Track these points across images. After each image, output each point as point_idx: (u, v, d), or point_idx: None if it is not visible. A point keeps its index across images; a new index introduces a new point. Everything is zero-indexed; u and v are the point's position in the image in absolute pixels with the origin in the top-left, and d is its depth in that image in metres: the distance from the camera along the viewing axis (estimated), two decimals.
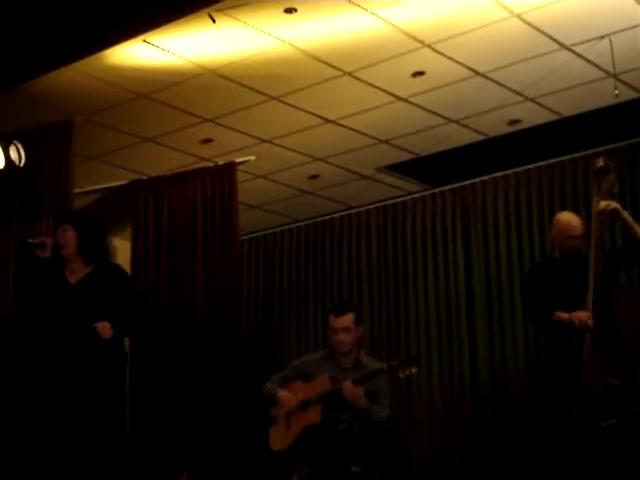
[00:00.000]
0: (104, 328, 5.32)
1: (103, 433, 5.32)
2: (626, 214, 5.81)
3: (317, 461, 5.45)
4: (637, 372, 5.42)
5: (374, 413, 5.54)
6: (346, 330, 5.71)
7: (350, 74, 6.43)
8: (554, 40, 6.06)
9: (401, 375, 5.49)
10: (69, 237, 5.49)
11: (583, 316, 5.40)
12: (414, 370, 5.43)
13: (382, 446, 5.46)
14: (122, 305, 5.49)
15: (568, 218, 5.92)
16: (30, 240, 5.49)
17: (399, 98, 6.82)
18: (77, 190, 7.35)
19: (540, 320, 5.88)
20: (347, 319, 5.73)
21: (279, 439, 5.70)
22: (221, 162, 7.68)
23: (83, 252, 5.52)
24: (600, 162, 5.80)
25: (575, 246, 5.79)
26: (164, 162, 7.72)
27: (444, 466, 7.61)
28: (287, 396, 5.71)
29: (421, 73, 6.45)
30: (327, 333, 5.95)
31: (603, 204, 5.67)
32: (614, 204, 5.72)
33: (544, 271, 5.96)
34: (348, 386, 5.47)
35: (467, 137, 7.51)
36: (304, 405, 5.62)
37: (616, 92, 6.40)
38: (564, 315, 5.51)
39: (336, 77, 6.45)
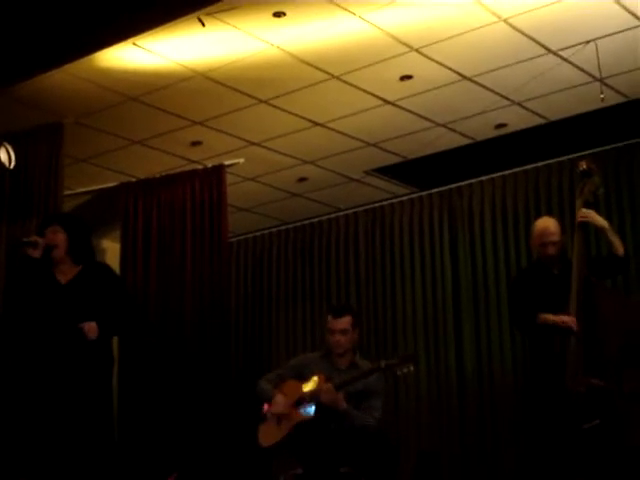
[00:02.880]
0: (91, 328, 5.32)
1: (90, 433, 5.32)
2: (604, 224, 5.73)
3: (307, 458, 5.47)
4: (621, 373, 5.44)
5: (356, 418, 5.53)
6: (343, 332, 5.74)
7: (338, 78, 6.45)
8: (540, 45, 6.08)
9: (399, 373, 5.52)
10: (60, 238, 5.50)
11: (567, 319, 5.43)
12: (412, 368, 5.47)
13: (370, 447, 5.48)
14: (112, 305, 5.52)
15: (543, 225, 5.86)
16: (25, 239, 5.50)
17: (387, 102, 6.84)
18: (67, 192, 7.35)
19: (525, 324, 5.87)
20: (345, 321, 5.76)
21: (269, 435, 5.70)
22: (210, 164, 7.68)
23: (72, 253, 5.53)
24: (583, 165, 5.78)
25: (546, 254, 5.77)
26: (153, 164, 7.72)
27: (436, 462, 7.64)
28: (282, 398, 5.69)
29: (409, 77, 6.47)
30: (324, 334, 5.97)
31: (579, 214, 5.67)
32: (590, 216, 5.69)
33: (530, 276, 5.95)
34: (326, 390, 5.49)
35: (454, 141, 7.52)
36: (297, 403, 5.64)
37: (602, 96, 6.41)
38: (549, 316, 5.52)
39: (324, 80, 6.47)
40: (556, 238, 5.77)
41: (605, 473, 5.29)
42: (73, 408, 5.29)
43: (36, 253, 5.42)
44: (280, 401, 5.68)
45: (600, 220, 5.74)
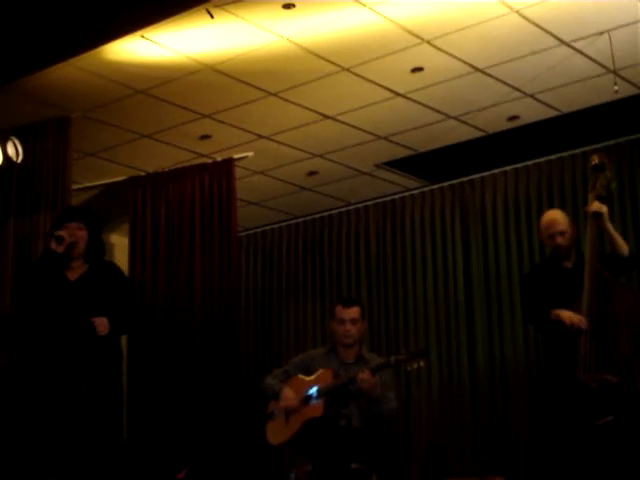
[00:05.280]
0: (101, 323, 5.33)
1: (100, 429, 5.32)
2: (609, 225, 5.61)
3: (317, 456, 5.44)
4: (634, 369, 5.39)
5: (386, 402, 5.54)
6: (354, 321, 5.74)
7: (349, 70, 6.41)
8: (553, 36, 6.04)
9: (408, 368, 5.50)
10: (81, 235, 5.53)
11: (575, 318, 5.36)
12: (422, 363, 5.42)
13: (381, 443, 5.45)
14: (120, 303, 5.51)
15: (549, 216, 5.81)
16: (56, 233, 5.48)
17: (398, 94, 6.80)
18: (75, 186, 7.34)
19: (538, 320, 5.81)
20: (355, 311, 5.77)
21: (278, 433, 5.68)
22: (219, 158, 7.66)
23: (89, 251, 5.55)
24: (595, 159, 5.71)
25: (555, 244, 5.71)
26: (162, 158, 7.71)
27: (444, 455, 7.62)
28: (290, 394, 5.67)
29: (420, 69, 6.44)
30: (331, 327, 5.91)
31: (593, 206, 5.60)
32: (601, 209, 5.60)
33: (543, 272, 5.90)
34: (365, 375, 5.43)
35: (466, 133, 7.49)
36: (305, 400, 5.61)
37: (615, 88, 6.39)
38: (561, 312, 5.46)
39: (334, 73, 6.43)
40: (563, 227, 5.70)
41: (618, 470, 5.26)
42: (82, 404, 5.29)
43: (60, 248, 5.45)
44: (290, 395, 5.65)
45: (606, 221, 5.65)
